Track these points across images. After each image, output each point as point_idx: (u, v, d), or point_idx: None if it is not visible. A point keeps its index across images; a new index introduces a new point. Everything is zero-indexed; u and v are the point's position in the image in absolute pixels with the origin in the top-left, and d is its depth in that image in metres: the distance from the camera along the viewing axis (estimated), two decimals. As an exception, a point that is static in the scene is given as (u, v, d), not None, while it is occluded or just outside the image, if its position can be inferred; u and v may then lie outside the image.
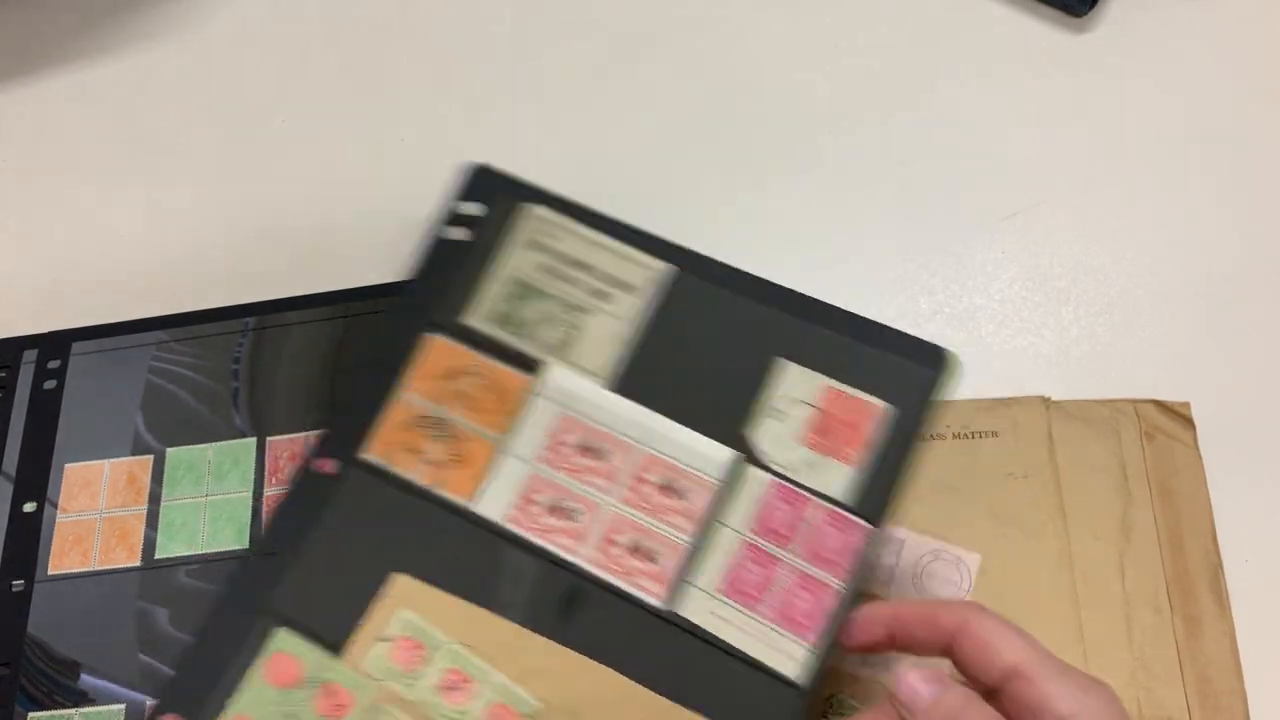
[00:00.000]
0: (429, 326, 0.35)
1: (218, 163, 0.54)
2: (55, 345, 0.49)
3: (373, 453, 0.34)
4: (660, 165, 0.51)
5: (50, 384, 0.47)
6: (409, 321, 0.36)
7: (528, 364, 0.35)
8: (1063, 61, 0.51)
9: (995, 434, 0.42)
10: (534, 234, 0.37)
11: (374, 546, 0.33)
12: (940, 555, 0.41)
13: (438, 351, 0.35)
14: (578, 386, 0.34)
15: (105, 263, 0.52)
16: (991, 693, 0.30)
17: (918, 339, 0.35)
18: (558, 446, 0.34)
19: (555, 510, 0.33)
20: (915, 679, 0.30)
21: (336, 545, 0.34)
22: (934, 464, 0.42)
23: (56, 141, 0.56)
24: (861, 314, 0.36)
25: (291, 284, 0.50)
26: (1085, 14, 0.51)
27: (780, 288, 0.36)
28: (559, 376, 0.35)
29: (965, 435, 0.43)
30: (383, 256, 0.51)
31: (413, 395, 0.35)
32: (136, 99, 0.57)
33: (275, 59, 0.57)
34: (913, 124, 0.50)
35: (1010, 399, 0.43)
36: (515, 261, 0.36)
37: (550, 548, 0.33)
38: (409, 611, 0.33)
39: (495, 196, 0.38)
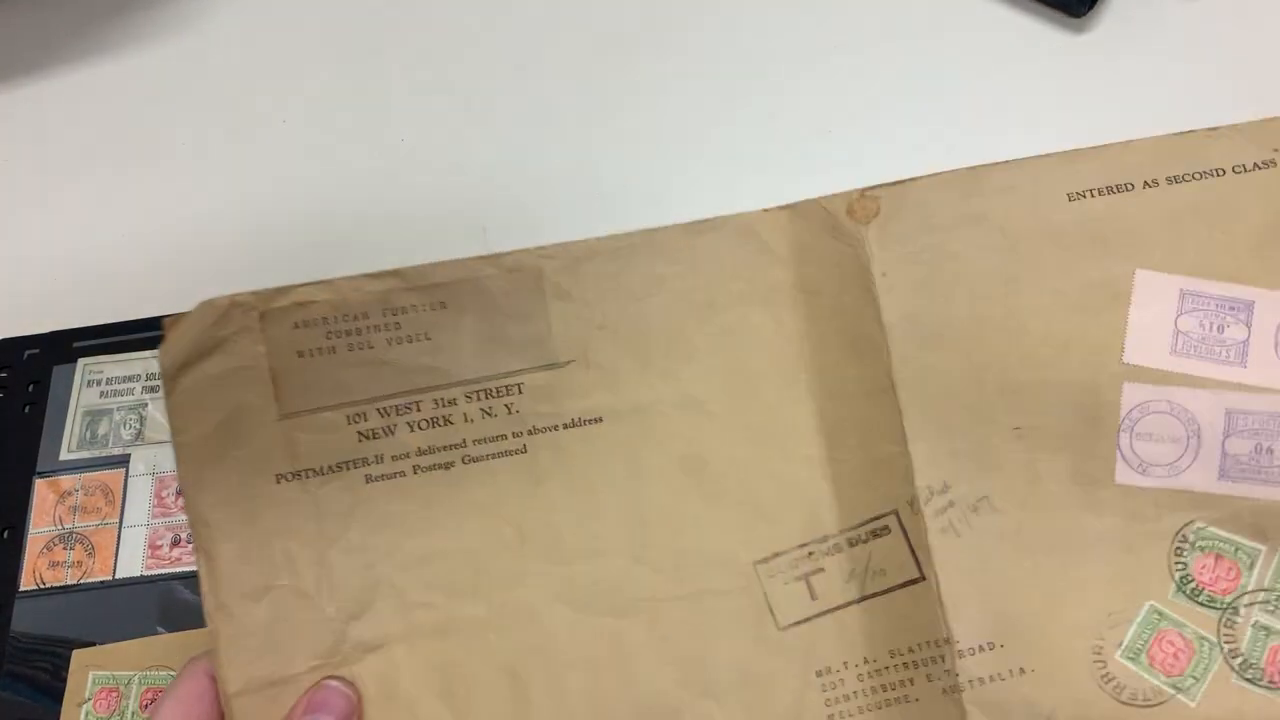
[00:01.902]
0: (36, 475, 0.47)
1: (218, 163, 0.55)
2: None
3: (27, 584, 0.45)
4: (658, 165, 0.51)
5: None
6: (20, 479, 0.47)
7: (119, 460, 0.47)
8: (1062, 61, 0.51)
9: None
10: (87, 376, 0.49)
11: (56, 640, 0.44)
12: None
13: (44, 489, 0.47)
14: (157, 454, 0.47)
15: (105, 263, 0.52)
16: None
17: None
18: (162, 501, 0.46)
19: (176, 544, 0.46)
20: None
21: (28, 654, 0.44)
22: None
23: (56, 141, 0.56)
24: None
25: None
26: (1085, 14, 0.51)
27: None
28: (142, 456, 0.47)
29: None
30: (382, 256, 0.51)
31: (39, 529, 0.46)
32: (136, 99, 0.57)
33: (275, 59, 0.57)
34: (911, 124, 0.50)
35: None
36: (82, 400, 0.49)
37: (182, 569, 0.45)
38: (96, 671, 0.43)
39: (26, 356, 0.50)
